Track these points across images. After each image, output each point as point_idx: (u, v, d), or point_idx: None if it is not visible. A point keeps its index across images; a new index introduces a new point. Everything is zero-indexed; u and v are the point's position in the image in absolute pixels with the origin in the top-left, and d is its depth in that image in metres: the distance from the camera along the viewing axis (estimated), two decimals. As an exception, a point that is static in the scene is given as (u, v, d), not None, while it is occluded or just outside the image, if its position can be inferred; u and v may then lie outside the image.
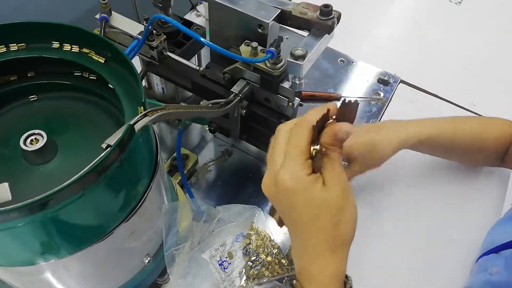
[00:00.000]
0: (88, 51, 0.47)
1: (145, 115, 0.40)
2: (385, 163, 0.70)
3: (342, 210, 0.41)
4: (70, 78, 0.48)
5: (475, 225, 0.72)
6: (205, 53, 0.81)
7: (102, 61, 0.46)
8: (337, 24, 0.58)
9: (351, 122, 0.41)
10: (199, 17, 1.06)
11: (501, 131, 0.70)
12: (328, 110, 0.41)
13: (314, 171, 0.41)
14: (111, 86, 0.44)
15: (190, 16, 1.07)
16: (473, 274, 0.64)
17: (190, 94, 0.81)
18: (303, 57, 0.54)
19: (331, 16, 0.57)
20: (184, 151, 0.77)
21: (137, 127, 0.38)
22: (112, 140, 0.36)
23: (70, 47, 0.47)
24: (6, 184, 0.38)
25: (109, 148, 0.35)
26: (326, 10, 0.56)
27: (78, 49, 0.47)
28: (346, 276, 0.44)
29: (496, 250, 0.60)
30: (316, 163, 0.42)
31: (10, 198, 0.38)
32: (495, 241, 0.62)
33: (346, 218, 0.42)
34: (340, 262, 0.43)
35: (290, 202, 0.41)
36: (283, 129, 0.44)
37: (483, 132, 0.70)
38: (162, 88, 0.79)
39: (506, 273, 0.56)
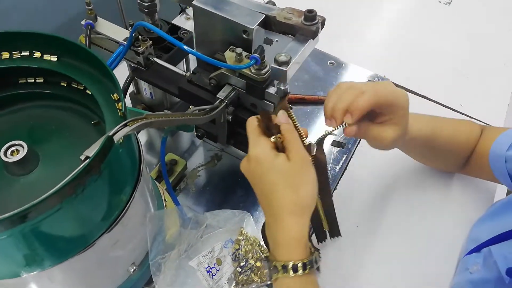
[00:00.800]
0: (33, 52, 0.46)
1: (125, 125, 0.39)
2: (377, 165, 0.70)
3: (301, 178, 0.48)
4: (50, 87, 0.48)
5: (464, 223, 0.72)
6: (193, 57, 0.80)
7: (55, 59, 0.46)
8: (321, 29, 0.58)
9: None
10: (188, 20, 1.06)
11: (470, 133, 0.70)
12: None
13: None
14: (89, 92, 0.44)
15: (180, 20, 1.07)
16: (457, 273, 0.64)
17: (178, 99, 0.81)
18: (286, 63, 0.54)
19: (315, 21, 0.57)
20: (173, 156, 0.76)
21: (117, 137, 0.38)
22: (91, 151, 0.36)
23: (8, 55, 0.45)
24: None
25: (87, 160, 0.35)
26: (310, 16, 0.56)
27: (28, 54, 0.46)
28: (317, 249, 0.50)
29: (478, 248, 0.61)
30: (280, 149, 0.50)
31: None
32: (477, 239, 0.62)
33: (304, 185, 0.48)
34: (300, 226, 0.48)
35: (259, 170, 0.49)
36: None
37: (457, 133, 0.70)
38: (150, 93, 0.79)
39: (484, 270, 0.56)
